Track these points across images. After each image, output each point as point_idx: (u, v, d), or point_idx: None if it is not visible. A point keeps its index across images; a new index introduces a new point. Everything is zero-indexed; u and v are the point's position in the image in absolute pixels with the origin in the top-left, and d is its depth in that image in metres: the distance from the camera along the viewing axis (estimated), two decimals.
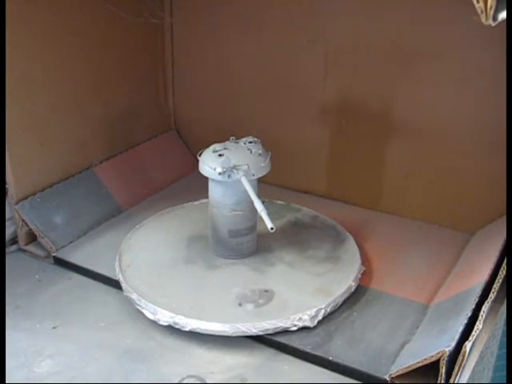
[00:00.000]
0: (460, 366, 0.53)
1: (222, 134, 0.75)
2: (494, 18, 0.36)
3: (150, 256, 0.77)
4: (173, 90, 1.05)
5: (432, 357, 0.53)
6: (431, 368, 0.54)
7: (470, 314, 0.57)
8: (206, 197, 0.76)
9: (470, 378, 0.54)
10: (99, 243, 0.83)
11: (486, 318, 0.56)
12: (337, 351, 0.62)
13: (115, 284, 0.73)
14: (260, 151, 0.72)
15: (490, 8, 0.35)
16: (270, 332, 0.64)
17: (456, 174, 0.84)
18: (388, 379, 0.58)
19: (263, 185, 0.81)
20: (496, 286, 0.60)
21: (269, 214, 0.65)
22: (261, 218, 0.65)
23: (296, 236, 0.81)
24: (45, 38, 0.79)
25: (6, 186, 0.78)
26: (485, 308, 0.56)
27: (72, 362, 0.61)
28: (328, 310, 0.67)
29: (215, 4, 0.95)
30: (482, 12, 0.36)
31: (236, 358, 0.63)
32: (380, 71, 0.85)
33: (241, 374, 0.60)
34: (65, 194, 0.84)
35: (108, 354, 0.63)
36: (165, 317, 0.65)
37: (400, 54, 0.83)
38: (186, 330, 0.64)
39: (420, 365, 0.54)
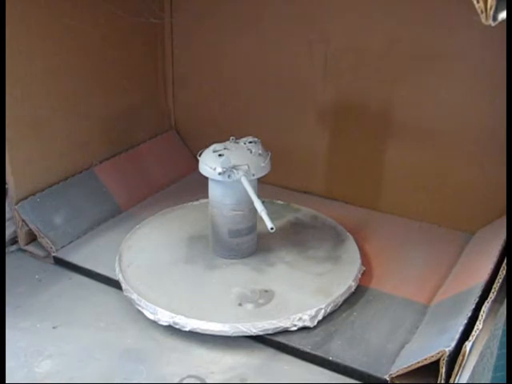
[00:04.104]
0: (460, 365, 0.53)
1: (222, 134, 0.75)
2: (494, 18, 0.36)
3: (149, 256, 0.77)
4: (173, 90, 1.05)
5: (432, 357, 0.53)
6: (431, 368, 0.54)
7: (469, 314, 0.57)
8: (206, 197, 0.76)
9: (469, 377, 0.54)
10: (99, 243, 0.82)
11: (486, 318, 0.56)
12: (337, 351, 0.62)
13: (115, 284, 0.73)
14: (260, 151, 0.72)
15: (490, 8, 0.36)
16: (269, 332, 0.64)
17: (456, 173, 0.84)
18: (388, 379, 0.58)
19: (263, 185, 0.81)
20: (496, 285, 0.60)
21: (269, 214, 0.65)
22: (261, 217, 0.65)
23: (296, 236, 0.81)
24: (45, 38, 0.79)
25: (6, 186, 0.78)
26: (485, 308, 0.56)
27: (72, 362, 0.61)
28: (328, 309, 0.67)
29: (215, 4, 0.95)
30: (482, 12, 0.36)
31: (236, 358, 0.63)
32: (379, 71, 0.85)
33: (241, 374, 0.60)
34: (65, 194, 0.84)
35: (108, 353, 0.63)
36: (165, 317, 0.65)
37: (399, 54, 0.83)
38: (186, 329, 0.64)
39: (420, 365, 0.54)
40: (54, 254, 0.79)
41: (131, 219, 0.88)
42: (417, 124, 0.85)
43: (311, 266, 0.74)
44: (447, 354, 0.52)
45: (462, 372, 0.54)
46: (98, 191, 0.89)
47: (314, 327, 0.66)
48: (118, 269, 0.73)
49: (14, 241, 0.81)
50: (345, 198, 0.95)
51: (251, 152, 0.71)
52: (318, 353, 0.62)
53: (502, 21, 0.37)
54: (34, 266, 0.79)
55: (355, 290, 0.71)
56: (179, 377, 0.60)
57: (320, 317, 0.66)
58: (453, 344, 0.53)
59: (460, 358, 0.53)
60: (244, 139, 0.74)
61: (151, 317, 0.66)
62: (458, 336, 0.54)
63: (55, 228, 0.81)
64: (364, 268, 0.75)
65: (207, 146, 0.73)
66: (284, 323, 0.64)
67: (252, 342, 0.65)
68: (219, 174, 0.69)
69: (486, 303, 0.57)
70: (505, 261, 0.63)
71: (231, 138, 0.74)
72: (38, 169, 0.82)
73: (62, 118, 0.84)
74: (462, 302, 0.61)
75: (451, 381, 0.54)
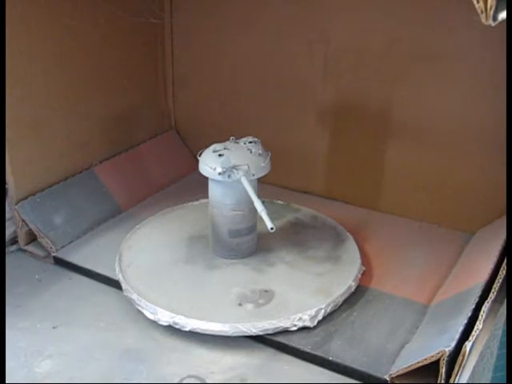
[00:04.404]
0: (460, 365, 0.53)
1: (222, 134, 0.75)
2: (494, 18, 0.36)
3: (150, 256, 0.77)
4: (173, 90, 1.05)
5: (432, 357, 0.53)
6: (431, 368, 0.54)
7: (469, 314, 0.57)
8: (206, 197, 0.76)
9: (469, 377, 0.54)
10: (99, 243, 0.82)
11: (486, 318, 0.56)
12: (337, 351, 0.62)
13: (115, 284, 0.73)
14: (260, 151, 0.72)
15: (490, 8, 0.36)
16: (269, 332, 0.64)
17: (456, 173, 0.84)
18: (388, 379, 0.58)
19: (263, 185, 0.81)
20: (496, 285, 0.60)
21: (269, 214, 0.65)
22: (261, 217, 0.65)
23: (296, 236, 0.81)
24: (45, 38, 0.79)
25: (6, 186, 0.78)
26: (485, 308, 0.56)
27: (72, 362, 0.61)
28: (328, 309, 0.67)
29: (215, 4, 0.95)
30: (482, 12, 0.36)
31: (236, 358, 0.63)
32: (379, 71, 0.85)
33: (241, 374, 0.60)
34: (65, 194, 0.84)
35: (108, 353, 0.63)
36: (165, 317, 0.65)
37: (399, 54, 0.83)
38: (186, 329, 0.64)
39: (420, 365, 0.54)
40: (54, 254, 0.79)
41: (131, 219, 0.88)
42: (417, 124, 0.85)
43: (311, 266, 0.74)
44: (447, 354, 0.52)
45: (462, 372, 0.54)
46: (98, 191, 0.89)
47: (314, 327, 0.66)
48: (118, 269, 0.73)
49: (14, 241, 0.81)
50: (345, 198, 0.95)
51: (251, 152, 0.71)
52: (318, 353, 0.62)
53: (502, 21, 0.37)
54: (34, 266, 0.79)
55: (355, 289, 0.71)
56: (179, 377, 0.60)
57: (320, 317, 0.66)
58: (453, 344, 0.53)
59: (460, 358, 0.53)
60: (244, 139, 0.74)
61: (151, 317, 0.66)
62: (457, 336, 0.54)
63: (55, 228, 0.81)
64: (364, 268, 0.75)
65: (207, 146, 0.73)
66: (284, 323, 0.64)
67: (252, 342, 0.65)
68: (219, 173, 0.69)
69: (486, 303, 0.57)
70: (505, 261, 0.63)
71: (231, 138, 0.74)
72: (38, 169, 0.82)
73: (61, 118, 0.84)
74: (462, 302, 0.61)
75: (451, 381, 0.54)
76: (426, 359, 0.54)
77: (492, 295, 0.59)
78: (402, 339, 0.64)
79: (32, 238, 0.81)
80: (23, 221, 0.79)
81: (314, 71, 0.90)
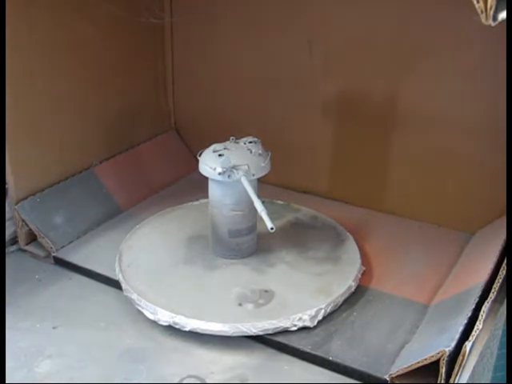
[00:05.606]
0: (460, 365, 0.53)
1: (222, 134, 0.75)
2: (494, 18, 0.36)
3: (149, 256, 0.77)
4: (173, 90, 1.05)
5: (432, 357, 0.53)
6: (431, 368, 0.54)
7: (469, 314, 0.57)
8: (206, 197, 0.76)
9: (469, 377, 0.54)
10: (99, 243, 0.82)
11: (486, 318, 0.56)
12: (337, 351, 0.62)
13: (115, 284, 0.73)
14: (260, 151, 0.72)
15: (490, 8, 0.36)
16: (269, 332, 0.64)
17: (456, 173, 0.84)
18: (388, 379, 0.58)
19: (263, 185, 0.81)
20: (496, 285, 0.60)
21: (269, 214, 0.65)
22: (261, 217, 0.65)
23: (296, 236, 0.81)
24: (45, 38, 0.79)
25: (6, 186, 0.78)
26: (485, 308, 0.56)
27: (72, 362, 0.61)
28: (328, 310, 0.67)
29: (215, 4, 0.95)
30: (482, 12, 0.36)
31: (236, 358, 0.63)
32: (380, 70, 0.85)
33: (241, 374, 0.60)
34: (65, 194, 0.84)
35: (108, 354, 0.63)
36: (165, 317, 0.65)
37: (401, 52, 0.83)
38: (186, 329, 0.64)
39: (420, 365, 0.54)
40: (54, 254, 0.79)
41: (131, 219, 0.88)
42: (418, 124, 0.85)
43: (311, 266, 0.74)
44: (447, 353, 0.52)
45: (462, 372, 0.54)
46: (97, 191, 0.89)
47: (314, 327, 0.66)
48: (118, 269, 0.73)
49: (14, 241, 0.81)
50: (345, 198, 0.95)
51: (251, 152, 0.71)
52: (318, 353, 0.62)
53: (502, 21, 0.37)
54: (34, 265, 0.79)
55: (355, 289, 0.71)
56: (179, 377, 0.60)
57: (320, 317, 0.66)
58: (453, 344, 0.53)
59: (460, 358, 0.53)
60: (244, 139, 0.74)
61: (151, 317, 0.66)
62: (457, 336, 0.54)
63: (55, 228, 0.81)
64: (364, 268, 0.75)
65: (207, 146, 0.73)
66: (284, 323, 0.64)
67: (252, 342, 0.65)
68: (219, 173, 0.69)
69: (486, 303, 0.57)
70: (505, 261, 0.63)
71: (231, 138, 0.74)
72: (38, 169, 0.82)
73: (61, 118, 0.84)
74: (462, 302, 0.61)
75: (451, 381, 0.54)
76: (426, 359, 0.54)
77: (492, 295, 0.59)
78: (402, 339, 0.64)
79: (32, 238, 0.81)
80: (23, 221, 0.79)
81: (314, 71, 0.90)
